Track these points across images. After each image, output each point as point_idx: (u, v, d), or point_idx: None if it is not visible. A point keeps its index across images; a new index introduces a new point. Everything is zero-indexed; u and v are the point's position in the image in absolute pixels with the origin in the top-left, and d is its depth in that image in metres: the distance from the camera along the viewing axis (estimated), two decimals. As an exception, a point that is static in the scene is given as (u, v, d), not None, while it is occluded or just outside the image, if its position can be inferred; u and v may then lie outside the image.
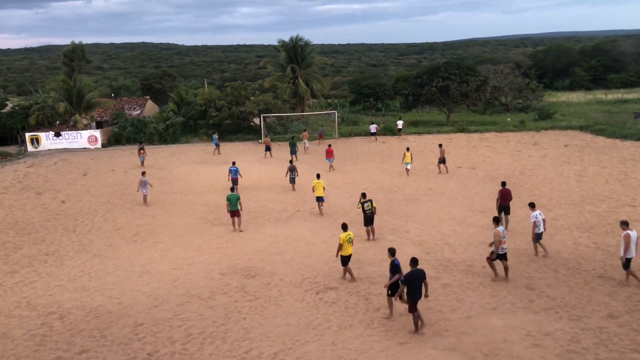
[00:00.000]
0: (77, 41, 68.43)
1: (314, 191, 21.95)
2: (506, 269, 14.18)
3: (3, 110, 48.63)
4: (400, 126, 44.87)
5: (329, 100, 69.73)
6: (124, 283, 15.28)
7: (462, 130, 44.95)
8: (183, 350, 11.34)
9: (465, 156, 33.62)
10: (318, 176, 22.54)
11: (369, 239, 18.10)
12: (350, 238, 14.30)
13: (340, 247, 14.24)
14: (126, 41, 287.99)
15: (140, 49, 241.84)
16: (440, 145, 29.89)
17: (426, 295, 11.76)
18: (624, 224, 13.68)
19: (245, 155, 37.14)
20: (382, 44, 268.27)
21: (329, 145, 32.45)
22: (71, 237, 20.03)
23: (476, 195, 23.40)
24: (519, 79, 59.45)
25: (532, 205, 16.28)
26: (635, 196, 22.20)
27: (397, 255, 13.73)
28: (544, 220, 15.89)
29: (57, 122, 50.22)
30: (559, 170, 28.24)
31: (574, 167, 28.84)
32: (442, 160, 28.87)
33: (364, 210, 17.81)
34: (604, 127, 41.46)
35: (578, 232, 18.04)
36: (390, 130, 45.39)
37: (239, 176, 26.05)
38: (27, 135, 44.78)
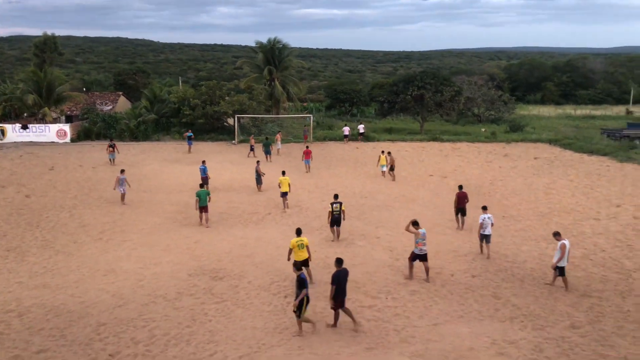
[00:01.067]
0: (49, 32, 66.87)
1: (280, 187, 22.67)
2: (427, 269, 14.73)
3: (-32, 100, 46.95)
4: (362, 130, 45.43)
5: (305, 104, 69.72)
6: (87, 281, 14.89)
7: (435, 139, 45.50)
8: (146, 352, 11.08)
9: (437, 165, 33.99)
10: (283, 173, 23.37)
11: (334, 239, 18.47)
12: (302, 244, 14.06)
13: (291, 251, 14.09)
14: (101, 35, 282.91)
15: (114, 43, 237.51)
16: (389, 153, 30.25)
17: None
18: (557, 235, 14.32)
19: (217, 156, 36.79)
20: (360, 50, 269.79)
21: (307, 147, 32.63)
22: (34, 233, 19.47)
23: (446, 204, 23.62)
24: (492, 91, 60.54)
25: (484, 208, 17.41)
26: (600, 209, 22.77)
27: (366, 261, 13.74)
28: (492, 224, 16.97)
29: (25, 115, 48.90)
30: (528, 182, 28.79)
31: (543, 179, 29.44)
32: (391, 168, 29.25)
33: (332, 211, 18.20)
34: (572, 141, 42.51)
35: (544, 243, 18.37)
36: (364, 136, 45.71)
37: (207, 176, 25.66)
38: (-7, 126, 43.46)
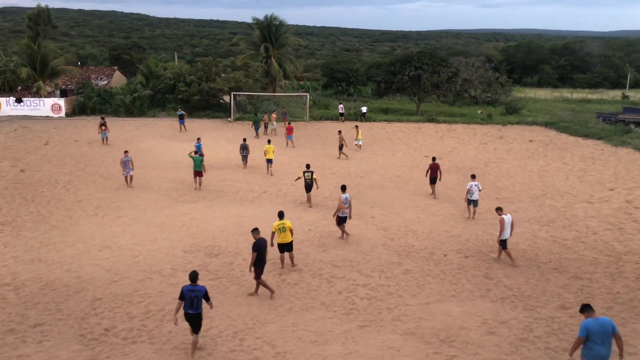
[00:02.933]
0: (43, 4, 65.80)
1: (265, 155, 25.29)
2: (344, 230, 15.79)
3: (-39, 72, 46.45)
4: (364, 110, 45.49)
5: (301, 83, 69.30)
6: (83, 256, 14.96)
7: (431, 120, 45.47)
8: (142, 327, 11.21)
9: (433, 146, 34.04)
10: (269, 141, 26.24)
11: (309, 205, 20.40)
12: (283, 227, 13.95)
13: (274, 234, 14.04)
14: (95, 8, 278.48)
15: (109, 17, 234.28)
16: (339, 132, 30.91)
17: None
18: (499, 210, 15.21)
19: (213, 133, 36.66)
20: (357, 29, 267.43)
21: (289, 123, 34.32)
22: (29, 207, 19.46)
23: (440, 185, 23.69)
24: (489, 72, 60.38)
25: (472, 177, 19.49)
26: (593, 193, 22.95)
27: (360, 240, 13.77)
28: (479, 190, 18.94)
29: (19, 88, 48.41)
30: (523, 164, 28.92)
31: (537, 162, 29.57)
32: (340, 147, 29.55)
33: (304, 179, 20.30)
34: (568, 125, 42.59)
35: (537, 225, 18.56)
36: (360, 117, 45.62)
37: (202, 153, 25.49)
38: (-14, 99, 43.05)
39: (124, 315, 11.66)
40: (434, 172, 21.77)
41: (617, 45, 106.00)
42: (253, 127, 36.21)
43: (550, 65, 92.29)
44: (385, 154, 31.10)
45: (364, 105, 48.34)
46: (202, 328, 11.14)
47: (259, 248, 12.28)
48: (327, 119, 45.73)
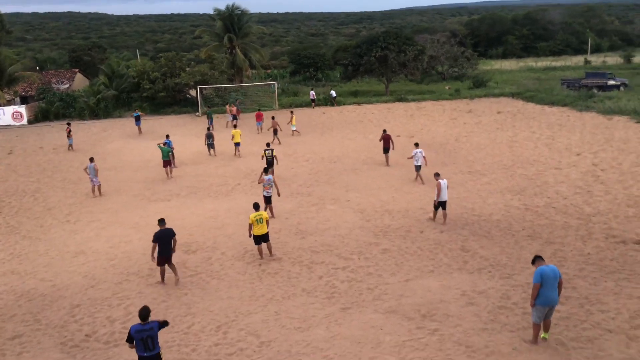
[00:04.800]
0: (-6, 10, 63.53)
1: (232, 139, 27.20)
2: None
3: None
4: (313, 97, 45.34)
5: (268, 71, 68.70)
6: (57, 264, 14.69)
7: (400, 99, 45.67)
8: (123, 329, 11.08)
9: (404, 125, 34.23)
10: (235, 126, 29.25)
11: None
12: (260, 218, 14.00)
13: (251, 226, 14.08)
14: (50, 10, 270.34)
15: (66, 18, 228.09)
16: (272, 118, 31.64)
17: (173, 251, 13.10)
18: (436, 175, 16.54)
19: (181, 129, 36.20)
20: (321, 13, 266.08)
21: (259, 109, 35.32)
22: (-2, 220, 18.98)
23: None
24: (454, 48, 60.69)
25: (416, 145, 21.52)
26: (561, 159, 23.44)
27: (338, 224, 13.71)
28: (424, 157, 21.07)
29: (-24, 98, 46.85)
30: (492, 136, 29.32)
31: (506, 133, 30.01)
32: (275, 132, 30.31)
33: (265, 156, 21.76)
34: (534, 94, 43.30)
35: (509, 195, 18.89)
36: (329, 102, 45.57)
37: (173, 149, 25.12)
38: (-57, 112, 41.60)
39: (105, 320, 11.53)
40: (386, 143, 24.01)
41: (578, 11, 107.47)
42: (208, 120, 35.46)
43: (514, 35, 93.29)
44: (357, 137, 31.17)
45: (332, 90, 48.21)
46: (184, 325, 11.11)
47: (160, 239, 12.73)
48: (298, 105, 45.50)
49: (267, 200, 17.51)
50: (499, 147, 26.68)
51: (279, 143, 29.48)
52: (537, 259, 9.69)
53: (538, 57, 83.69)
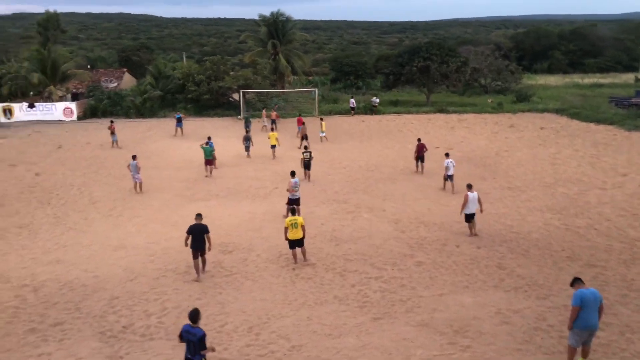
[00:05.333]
0: (51, 10, 66.35)
1: (270, 141, 28.30)
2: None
3: (-26, 80, 47.05)
4: (352, 105, 45.29)
5: (310, 78, 69.21)
6: (99, 257, 15.22)
7: (441, 110, 45.31)
8: (159, 324, 11.41)
9: (444, 137, 33.93)
10: (272, 129, 32.00)
11: (307, 180, 22.95)
12: (295, 223, 14.15)
13: (286, 230, 14.26)
14: (103, 11, 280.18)
15: (117, 19, 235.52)
16: (303, 123, 33.12)
17: (209, 249, 13.80)
18: (468, 187, 16.51)
19: (223, 132, 36.84)
20: (365, 22, 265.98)
21: (299, 114, 36.52)
22: (46, 210, 19.79)
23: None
24: (498, 60, 59.75)
25: (446, 155, 21.89)
26: (606, 179, 22.78)
27: (372, 234, 13.73)
28: (453, 166, 21.36)
29: (31, 93, 48.92)
30: (534, 152, 28.74)
31: (549, 149, 29.37)
32: (303, 137, 31.07)
33: (303, 158, 23.02)
34: (579, 110, 42.18)
35: (549, 214, 18.48)
36: (369, 109, 45.63)
37: (214, 150, 25.62)
38: (0, 105, 43.64)
39: (142, 313, 11.88)
40: (420, 151, 24.50)
41: (630, 27, 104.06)
42: (244, 125, 35.03)
43: (560, 50, 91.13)
44: (395, 146, 31.10)
45: (375, 97, 48.07)
46: (217, 324, 11.33)
47: (192, 232, 13.53)
48: (337, 113, 45.73)
49: (293, 202, 17.81)
50: (541, 163, 26.13)
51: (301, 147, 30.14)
52: (576, 282, 9.48)
53: (585, 73, 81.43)
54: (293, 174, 18.47)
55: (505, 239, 16.09)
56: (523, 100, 49.72)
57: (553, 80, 73.30)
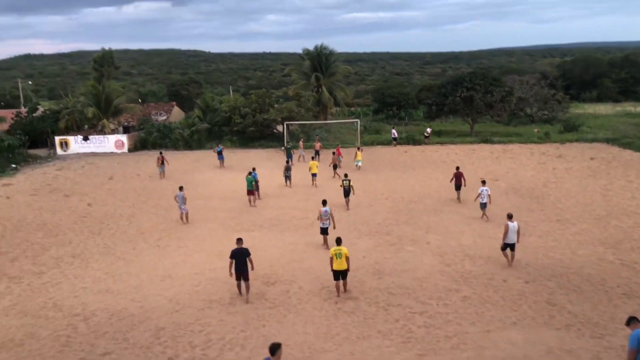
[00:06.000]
0: (107, 47, 70.13)
1: (310, 170, 29.14)
2: (326, 241, 17.96)
3: (34, 114, 49.74)
4: (394, 135, 45.29)
5: (352, 109, 69.82)
6: (146, 286, 15.57)
7: (485, 141, 44.66)
8: (203, 356, 11.51)
9: (488, 167, 33.35)
10: (313, 158, 31.98)
11: (346, 208, 23.65)
12: (339, 253, 14.04)
13: (331, 260, 14.18)
14: (154, 47, 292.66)
15: (167, 55, 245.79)
16: (333, 153, 33.28)
17: (252, 269, 14.40)
18: (508, 217, 16.43)
19: (267, 163, 37.44)
20: (407, 53, 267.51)
21: (338, 145, 36.44)
22: (96, 240, 20.49)
23: (497, 207, 23.13)
24: (545, 89, 58.74)
25: (483, 182, 22.19)
26: (663, 212, 21.75)
27: (416, 267, 13.50)
28: (489, 195, 21.53)
29: (86, 127, 51.36)
30: (584, 183, 27.82)
31: (600, 180, 28.37)
32: (334, 167, 32.06)
33: (343, 186, 23.79)
34: (632, 140, 40.70)
35: (602, 248, 17.76)
36: (412, 140, 45.51)
37: (257, 181, 26.09)
38: (57, 138, 45.95)
39: (186, 344, 12.03)
40: (457, 180, 24.57)
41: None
42: (285, 154, 35.78)
43: (610, 78, 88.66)
44: (439, 177, 30.74)
45: (429, 127, 48.38)
46: (260, 358, 11.29)
47: (235, 257, 14.19)
48: (379, 144, 45.78)
49: (323, 231, 18.29)
50: (591, 195, 25.24)
51: (335, 177, 30.90)
52: (632, 321, 9.06)
53: (638, 101, 78.76)
54: (324, 202, 18.88)
55: (555, 274, 15.52)
56: (571, 130, 48.49)
57: (603, 109, 71.23)
